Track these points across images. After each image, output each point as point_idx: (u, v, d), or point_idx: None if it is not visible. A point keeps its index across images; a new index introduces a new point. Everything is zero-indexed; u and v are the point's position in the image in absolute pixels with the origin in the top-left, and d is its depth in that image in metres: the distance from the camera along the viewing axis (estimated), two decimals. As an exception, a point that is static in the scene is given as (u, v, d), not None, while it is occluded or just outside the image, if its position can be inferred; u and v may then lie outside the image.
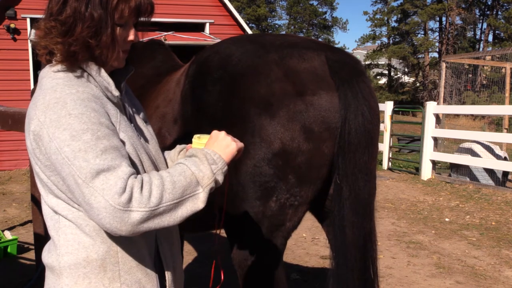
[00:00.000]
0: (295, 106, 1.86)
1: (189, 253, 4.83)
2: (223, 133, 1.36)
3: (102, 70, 1.32)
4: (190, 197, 1.23)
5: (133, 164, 1.30)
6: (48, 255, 1.35)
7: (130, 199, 1.13)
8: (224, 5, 11.31)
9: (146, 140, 1.47)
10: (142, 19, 1.40)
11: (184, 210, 1.22)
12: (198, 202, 1.24)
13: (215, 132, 1.38)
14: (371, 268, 1.93)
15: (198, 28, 11.38)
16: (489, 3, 36.97)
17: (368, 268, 1.92)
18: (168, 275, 1.42)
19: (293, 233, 2.08)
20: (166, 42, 8.56)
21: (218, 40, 8.20)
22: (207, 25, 11.25)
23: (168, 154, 1.61)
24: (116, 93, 1.34)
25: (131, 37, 1.34)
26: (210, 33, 11.11)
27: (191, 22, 11.14)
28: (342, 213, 1.88)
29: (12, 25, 9.74)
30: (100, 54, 1.29)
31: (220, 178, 1.29)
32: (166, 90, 2.44)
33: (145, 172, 1.34)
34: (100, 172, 1.13)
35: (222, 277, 1.72)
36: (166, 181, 1.19)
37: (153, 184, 1.17)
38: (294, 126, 1.85)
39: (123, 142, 1.28)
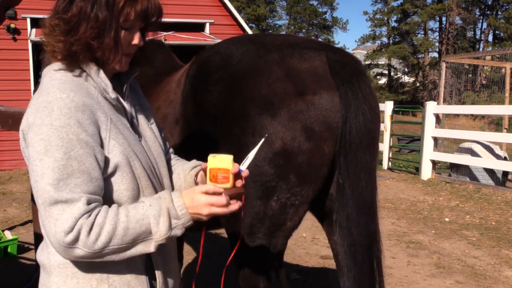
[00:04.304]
0: (296, 106, 1.86)
1: (189, 253, 4.83)
2: (203, 194, 1.28)
3: (101, 71, 1.31)
4: (142, 242, 1.24)
5: (117, 175, 1.28)
6: (40, 253, 1.37)
7: (76, 240, 1.16)
8: (224, 5, 11.31)
9: (147, 142, 1.46)
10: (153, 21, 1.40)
11: (133, 251, 1.24)
12: (150, 246, 1.25)
13: (200, 187, 1.31)
14: (377, 268, 1.93)
15: (198, 28, 11.38)
16: (489, 3, 36.99)
17: (375, 268, 1.92)
18: (158, 278, 1.41)
19: (293, 233, 2.08)
20: (166, 42, 8.56)
21: (218, 40, 8.21)
22: (207, 25, 11.26)
23: (181, 165, 1.57)
24: (113, 95, 1.32)
25: (135, 41, 1.33)
26: (210, 33, 11.12)
27: (191, 22, 11.14)
28: (345, 213, 1.88)
29: (12, 25, 9.74)
30: (101, 56, 1.28)
31: (180, 232, 1.28)
32: (167, 91, 2.44)
33: (135, 179, 1.32)
34: (58, 202, 1.16)
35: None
36: (118, 227, 1.19)
37: (104, 228, 1.18)
38: (295, 126, 1.86)
39: (110, 153, 1.26)
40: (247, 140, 1.89)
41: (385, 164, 10.56)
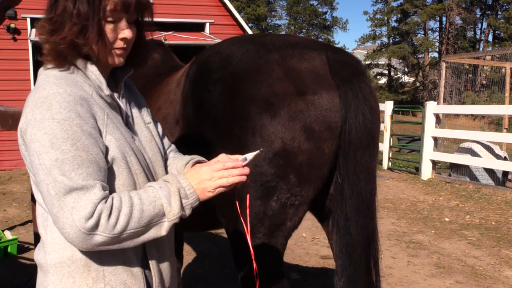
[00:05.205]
0: (296, 106, 1.86)
1: (189, 253, 4.83)
2: (208, 169, 1.33)
3: (95, 68, 1.32)
4: (155, 225, 1.26)
5: (112, 169, 1.28)
6: (37, 253, 1.37)
7: (96, 225, 1.16)
8: (224, 5, 11.32)
9: (142, 141, 1.46)
10: (146, 19, 1.40)
11: (146, 236, 1.26)
12: (161, 230, 1.27)
13: (201, 166, 1.36)
14: (374, 268, 1.93)
15: (198, 28, 11.39)
16: (489, 3, 36.98)
17: (372, 268, 1.92)
18: (154, 277, 1.41)
19: (293, 233, 2.08)
20: (166, 42, 8.56)
21: (218, 40, 8.22)
22: (207, 25, 11.26)
23: (175, 163, 1.57)
24: (107, 92, 1.33)
25: (123, 34, 1.31)
26: (210, 33, 11.12)
27: (191, 22, 11.15)
28: (344, 213, 1.88)
29: (12, 25, 9.75)
30: (88, 52, 1.29)
31: (188, 212, 1.30)
32: (167, 91, 2.44)
33: (131, 174, 1.33)
34: (73, 190, 1.16)
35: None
36: (135, 210, 1.21)
37: (122, 212, 1.19)
38: (295, 126, 1.86)
39: (107, 147, 1.28)
40: (247, 140, 1.89)
41: (385, 164, 10.56)
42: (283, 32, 41.34)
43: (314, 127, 1.87)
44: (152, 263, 1.40)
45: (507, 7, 34.79)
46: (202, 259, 4.75)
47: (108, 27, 1.29)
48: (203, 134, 2.05)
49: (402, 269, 4.55)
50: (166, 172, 1.55)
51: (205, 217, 2.27)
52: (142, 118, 1.52)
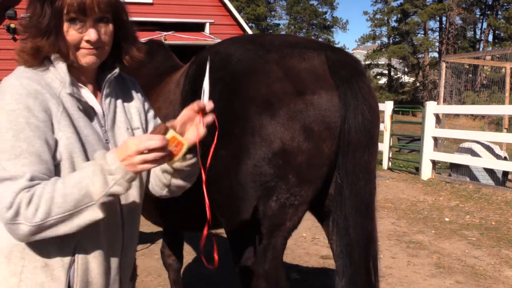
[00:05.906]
0: (295, 106, 1.85)
1: (189, 253, 4.83)
2: (134, 143, 1.18)
3: (64, 67, 1.33)
4: (87, 207, 1.19)
5: (59, 166, 1.28)
6: None
7: (17, 214, 1.16)
8: (224, 5, 11.33)
9: (117, 145, 1.42)
10: (124, 18, 1.40)
11: (81, 220, 1.20)
12: (97, 211, 1.20)
13: (130, 139, 1.23)
14: (373, 268, 1.93)
15: (198, 28, 11.40)
16: (489, 3, 37.00)
17: (371, 268, 1.92)
18: (76, 285, 1.33)
19: (293, 233, 2.08)
20: (166, 42, 8.56)
21: (218, 40, 8.22)
22: (207, 25, 11.28)
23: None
24: (68, 90, 1.33)
25: (86, 36, 1.30)
26: (210, 33, 11.13)
27: (191, 22, 11.16)
28: (343, 213, 1.88)
29: (12, 25, 9.76)
30: (50, 52, 1.31)
31: (120, 188, 1.20)
32: (167, 92, 2.44)
33: None
34: (4, 180, 1.18)
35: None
36: (56, 195, 1.17)
37: (42, 198, 1.16)
38: (294, 126, 1.85)
39: (57, 144, 1.28)
40: (247, 140, 1.89)
41: (385, 164, 10.56)
42: (283, 32, 41.36)
43: (313, 127, 1.86)
44: (78, 270, 1.33)
45: (507, 7, 34.81)
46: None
47: (70, 29, 1.30)
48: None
49: (402, 269, 4.55)
50: (141, 180, 1.50)
51: (205, 217, 2.27)
52: (127, 122, 1.49)
